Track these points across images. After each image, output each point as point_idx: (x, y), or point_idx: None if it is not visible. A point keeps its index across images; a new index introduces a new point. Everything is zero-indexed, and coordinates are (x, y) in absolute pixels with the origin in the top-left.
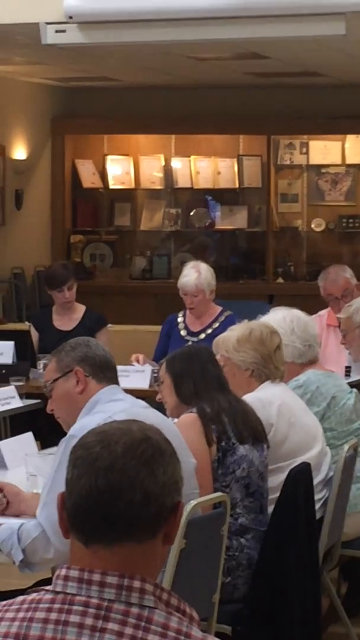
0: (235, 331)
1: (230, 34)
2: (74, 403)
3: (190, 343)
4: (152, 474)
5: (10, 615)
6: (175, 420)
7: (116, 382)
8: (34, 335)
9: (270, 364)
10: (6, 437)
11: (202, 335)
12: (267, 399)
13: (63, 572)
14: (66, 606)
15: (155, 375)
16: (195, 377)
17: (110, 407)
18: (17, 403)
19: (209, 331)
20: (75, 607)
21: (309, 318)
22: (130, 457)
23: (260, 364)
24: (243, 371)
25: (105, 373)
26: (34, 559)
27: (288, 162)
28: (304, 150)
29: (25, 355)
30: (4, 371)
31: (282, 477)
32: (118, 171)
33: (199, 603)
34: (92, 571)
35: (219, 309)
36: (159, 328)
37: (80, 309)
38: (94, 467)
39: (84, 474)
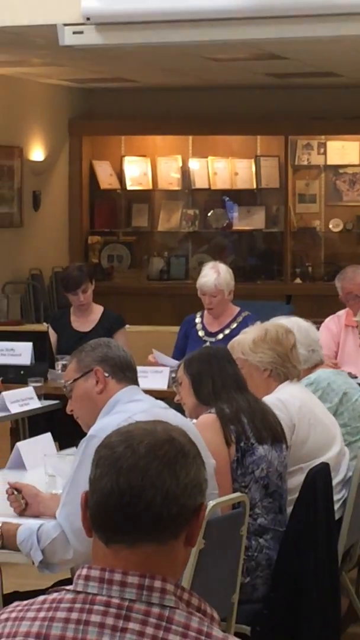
0: (251, 333)
1: (247, 34)
2: (93, 403)
3: (208, 343)
4: (174, 475)
5: (31, 614)
6: (194, 421)
7: (136, 383)
8: (52, 336)
9: (288, 363)
10: (25, 438)
11: (220, 336)
12: (287, 400)
13: (84, 571)
14: (87, 606)
15: (173, 376)
16: (213, 378)
17: (130, 407)
18: (35, 404)
19: (227, 332)
20: (96, 607)
21: (308, 324)
22: (152, 457)
23: (278, 363)
24: (261, 372)
25: (126, 373)
26: (53, 559)
27: (306, 163)
28: (322, 150)
29: (44, 356)
30: (22, 372)
31: (302, 478)
32: (135, 172)
33: (218, 603)
34: (113, 571)
35: (237, 309)
36: (176, 329)
37: (98, 310)
38: (116, 467)
39: (106, 474)
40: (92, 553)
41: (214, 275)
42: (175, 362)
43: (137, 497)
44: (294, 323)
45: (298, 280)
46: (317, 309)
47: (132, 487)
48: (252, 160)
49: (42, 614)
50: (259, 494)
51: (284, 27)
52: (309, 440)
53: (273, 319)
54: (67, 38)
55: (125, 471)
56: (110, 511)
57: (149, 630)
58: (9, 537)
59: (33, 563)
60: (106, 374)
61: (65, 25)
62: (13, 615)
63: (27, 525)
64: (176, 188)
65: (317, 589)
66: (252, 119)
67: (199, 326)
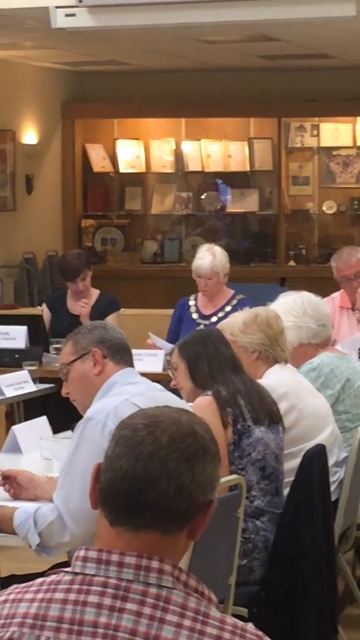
0: (241, 315)
1: (239, 16)
2: (91, 385)
3: (201, 326)
4: (191, 470)
5: (29, 596)
6: (191, 404)
7: (132, 365)
8: (47, 315)
9: (276, 346)
10: (20, 422)
11: (214, 319)
12: (274, 387)
13: (82, 553)
14: (85, 587)
15: (169, 359)
16: (209, 360)
17: (126, 389)
18: (30, 387)
19: (221, 314)
20: (93, 588)
21: (318, 298)
22: (173, 449)
23: (267, 345)
24: (250, 354)
25: (123, 355)
26: (50, 542)
27: (299, 145)
28: (315, 132)
29: (38, 340)
30: (17, 356)
31: (293, 463)
32: (129, 155)
33: (215, 585)
34: (110, 552)
35: (231, 292)
36: (170, 311)
37: (94, 294)
38: (136, 451)
39: (124, 455)
40: (95, 529)
41: (210, 257)
42: (170, 346)
43: (150, 486)
44: (305, 297)
45: (292, 263)
46: (311, 291)
47: (147, 475)
48: (245, 142)
49: (40, 596)
50: (255, 476)
51: (276, 9)
52: (296, 426)
53: (283, 295)
54: (60, 20)
55: (144, 457)
56: (121, 493)
57: (147, 610)
58: (5, 521)
59: (30, 546)
60: (104, 356)
61: (58, 7)
62: (11, 597)
63: (24, 508)
64: (169, 171)
65: (313, 571)
66: (245, 101)
67: (192, 309)
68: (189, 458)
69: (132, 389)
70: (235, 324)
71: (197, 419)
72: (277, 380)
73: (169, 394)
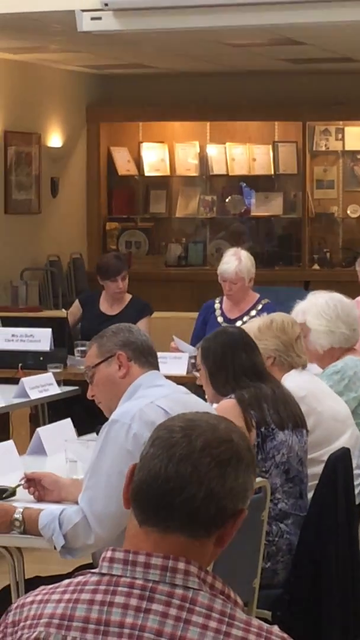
0: (257, 321)
1: (264, 20)
2: (116, 387)
3: None
4: (223, 476)
5: (56, 597)
6: (215, 406)
7: (157, 368)
8: (77, 310)
9: (292, 352)
10: (44, 424)
11: (239, 323)
12: (292, 391)
13: (109, 554)
14: (111, 587)
15: (193, 362)
16: (227, 372)
17: (151, 392)
18: (54, 390)
19: (246, 319)
20: (120, 589)
21: (350, 301)
22: (207, 454)
23: (282, 351)
24: (265, 359)
25: (147, 358)
26: (75, 544)
27: (324, 148)
28: (340, 136)
29: (63, 343)
30: (41, 358)
31: (314, 469)
32: (153, 158)
33: (239, 588)
34: (137, 553)
35: (257, 296)
36: (194, 315)
37: (127, 297)
38: (170, 453)
39: (158, 456)
40: (126, 528)
41: (236, 262)
42: (194, 349)
43: (180, 488)
44: (337, 300)
45: (316, 266)
46: None
47: (179, 477)
48: (270, 146)
49: (66, 596)
50: (279, 479)
51: (302, 12)
52: (315, 430)
53: (314, 294)
54: (85, 24)
55: (177, 459)
56: (152, 493)
57: (173, 611)
58: (31, 522)
59: (55, 548)
60: (129, 358)
61: (84, 11)
62: (38, 598)
63: (49, 510)
64: (194, 174)
65: (337, 574)
66: (269, 104)
67: (218, 312)
68: (221, 464)
69: (157, 392)
70: (251, 330)
71: (235, 427)
72: (295, 384)
73: (194, 397)
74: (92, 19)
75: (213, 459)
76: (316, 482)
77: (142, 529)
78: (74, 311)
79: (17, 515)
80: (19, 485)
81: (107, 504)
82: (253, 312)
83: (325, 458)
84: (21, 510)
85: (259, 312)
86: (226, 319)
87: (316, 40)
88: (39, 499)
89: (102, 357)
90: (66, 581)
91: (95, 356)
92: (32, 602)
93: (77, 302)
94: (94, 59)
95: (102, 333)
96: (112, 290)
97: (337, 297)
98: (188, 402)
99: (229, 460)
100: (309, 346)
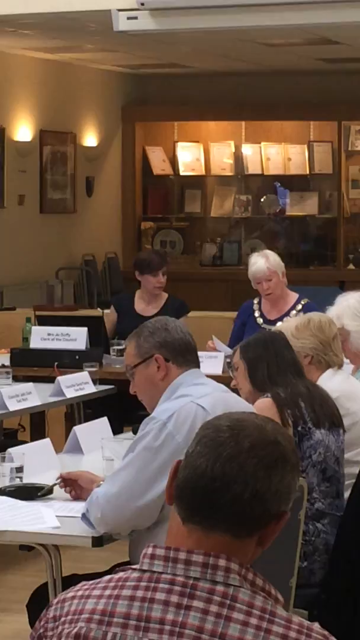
0: (294, 320)
1: (301, 19)
2: (155, 388)
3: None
4: (269, 477)
5: (97, 592)
6: (251, 406)
7: (197, 365)
8: (112, 314)
9: (329, 351)
10: (80, 423)
11: (279, 324)
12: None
13: (149, 550)
14: (152, 584)
15: (229, 361)
16: (269, 363)
17: (193, 390)
18: (90, 389)
19: (286, 320)
20: (161, 585)
21: None
22: (253, 455)
23: (319, 350)
24: (302, 358)
25: (186, 356)
26: (89, 514)
27: (359, 148)
28: None
29: (98, 342)
30: (77, 357)
31: (349, 469)
32: (188, 158)
33: (276, 587)
34: (178, 550)
35: (296, 296)
36: (230, 314)
37: (163, 296)
38: (216, 452)
39: (205, 455)
40: (168, 525)
41: (263, 259)
42: (231, 351)
43: (226, 488)
44: None
45: (351, 266)
46: None
47: (225, 477)
48: (305, 145)
49: (107, 592)
50: (316, 478)
51: (338, 12)
52: (349, 431)
53: (343, 295)
54: (121, 23)
55: (224, 459)
56: (197, 492)
57: (213, 608)
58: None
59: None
60: (166, 359)
61: (120, 10)
62: (79, 593)
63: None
64: (229, 174)
65: None
66: (305, 104)
67: (257, 313)
68: (268, 465)
69: (198, 390)
70: (288, 329)
71: (281, 429)
72: (327, 385)
73: (235, 395)
74: (128, 18)
75: (260, 460)
76: (352, 481)
77: (185, 526)
78: (110, 316)
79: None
80: (55, 484)
81: (119, 493)
82: (293, 312)
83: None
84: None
85: (300, 313)
86: (266, 320)
87: (352, 40)
88: (76, 498)
89: (140, 358)
90: (107, 577)
91: (134, 356)
92: (73, 598)
93: (111, 306)
94: (129, 58)
95: (139, 331)
96: (152, 284)
97: None
98: (229, 401)
99: (276, 462)
100: (351, 349)
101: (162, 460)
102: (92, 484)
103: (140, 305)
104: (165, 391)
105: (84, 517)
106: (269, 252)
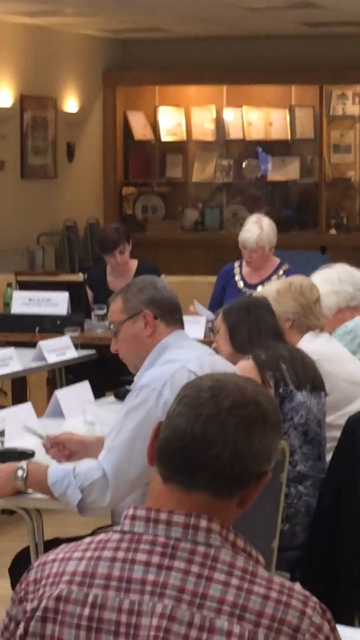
0: (275, 284)
1: None
2: (142, 346)
3: (247, 295)
4: (249, 437)
5: (78, 554)
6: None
7: (182, 326)
8: (89, 294)
9: (310, 315)
10: (62, 387)
11: (260, 288)
12: None
13: (131, 512)
14: (133, 545)
15: (210, 325)
16: (250, 326)
17: (180, 354)
18: (72, 354)
19: (267, 284)
20: (142, 546)
21: (353, 268)
22: (234, 414)
23: (300, 314)
24: (284, 322)
25: (174, 315)
26: (88, 499)
27: (340, 113)
28: (357, 100)
29: (80, 306)
30: (59, 322)
31: (330, 433)
32: (169, 123)
33: (258, 549)
34: (159, 510)
35: (277, 261)
36: (211, 279)
37: (133, 265)
38: (197, 412)
39: (185, 414)
40: (148, 487)
41: (257, 231)
42: (213, 315)
43: (205, 448)
44: (338, 267)
45: (333, 231)
46: (352, 260)
47: (205, 436)
48: (287, 110)
49: (88, 554)
50: (298, 440)
51: None
52: (329, 394)
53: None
54: None
55: (204, 419)
56: (177, 451)
57: (195, 568)
58: (38, 476)
59: (68, 504)
60: (155, 317)
61: None
62: (60, 555)
63: (58, 466)
64: (210, 139)
65: (356, 536)
66: (286, 68)
67: (237, 277)
68: (248, 425)
69: (187, 355)
70: (270, 293)
71: (263, 389)
72: (307, 348)
73: (220, 357)
74: None
75: (240, 420)
76: (333, 444)
77: (165, 486)
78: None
79: (22, 464)
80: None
81: (129, 469)
82: (274, 277)
83: (340, 421)
84: (25, 463)
85: (280, 278)
86: (246, 284)
87: (334, 4)
88: (66, 460)
89: (127, 313)
90: (88, 539)
91: (120, 312)
92: (53, 560)
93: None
94: (110, 23)
95: (128, 287)
96: (111, 263)
97: (338, 265)
98: (217, 364)
99: (256, 422)
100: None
101: None
102: (81, 445)
103: (112, 282)
104: (151, 352)
105: (65, 494)
106: (266, 222)
